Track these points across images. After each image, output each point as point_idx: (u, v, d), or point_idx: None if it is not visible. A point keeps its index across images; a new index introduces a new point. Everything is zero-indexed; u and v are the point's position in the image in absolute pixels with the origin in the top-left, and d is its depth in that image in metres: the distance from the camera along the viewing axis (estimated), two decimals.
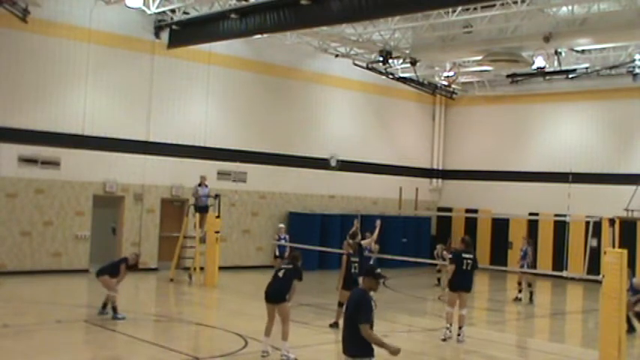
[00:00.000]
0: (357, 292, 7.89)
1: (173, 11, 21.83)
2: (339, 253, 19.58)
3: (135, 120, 22.61)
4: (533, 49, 21.88)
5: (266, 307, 12.04)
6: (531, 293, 20.17)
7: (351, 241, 15.57)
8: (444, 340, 13.92)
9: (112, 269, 14.87)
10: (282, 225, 22.09)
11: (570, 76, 25.23)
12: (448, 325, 14.04)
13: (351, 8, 17.04)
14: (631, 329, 15.23)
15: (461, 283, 14.11)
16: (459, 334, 13.98)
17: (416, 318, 17.39)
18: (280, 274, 12.16)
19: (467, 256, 14.14)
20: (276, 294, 11.97)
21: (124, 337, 13.18)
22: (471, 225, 29.21)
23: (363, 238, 16.60)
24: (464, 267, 14.06)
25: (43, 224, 20.92)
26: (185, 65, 23.55)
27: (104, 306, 14.73)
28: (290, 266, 12.28)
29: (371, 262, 16.66)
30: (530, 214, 26.30)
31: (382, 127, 29.50)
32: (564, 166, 26.77)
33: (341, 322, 14.49)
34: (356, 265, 14.75)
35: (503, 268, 20.67)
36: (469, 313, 18.80)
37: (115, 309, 14.45)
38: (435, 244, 24.42)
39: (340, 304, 14.77)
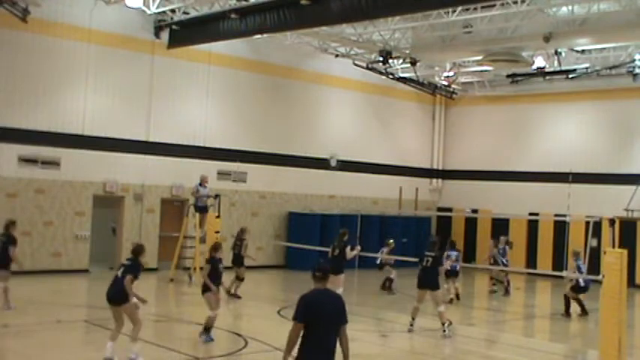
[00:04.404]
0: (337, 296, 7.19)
1: (173, 11, 21.83)
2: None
3: (135, 120, 22.60)
4: (533, 49, 21.88)
5: (110, 310, 11.20)
6: (494, 289, 21.48)
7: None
8: (409, 331, 14.49)
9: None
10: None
11: (570, 76, 25.21)
12: (411, 320, 14.67)
13: (351, 8, 17.05)
14: (567, 313, 17.07)
15: (421, 280, 14.83)
16: (444, 331, 14.41)
17: (416, 318, 17.30)
18: (119, 273, 11.15)
19: (428, 253, 14.92)
20: (115, 295, 11.03)
21: (124, 337, 13.17)
22: (471, 225, 29.22)
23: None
24: (424, 263, 14.82)
25: (43, 224, 20.91)
26: (185, 65, 23.54)
27: None
28: (129, 263, 11.29)
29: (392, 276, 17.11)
30: (530, 214, 26.28)
31: (382, 127, 29.49)
32: (564, 166, 26.76)
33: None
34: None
35: (503, 269, 20.72)
36: (469, 313, 18.90)
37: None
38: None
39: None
